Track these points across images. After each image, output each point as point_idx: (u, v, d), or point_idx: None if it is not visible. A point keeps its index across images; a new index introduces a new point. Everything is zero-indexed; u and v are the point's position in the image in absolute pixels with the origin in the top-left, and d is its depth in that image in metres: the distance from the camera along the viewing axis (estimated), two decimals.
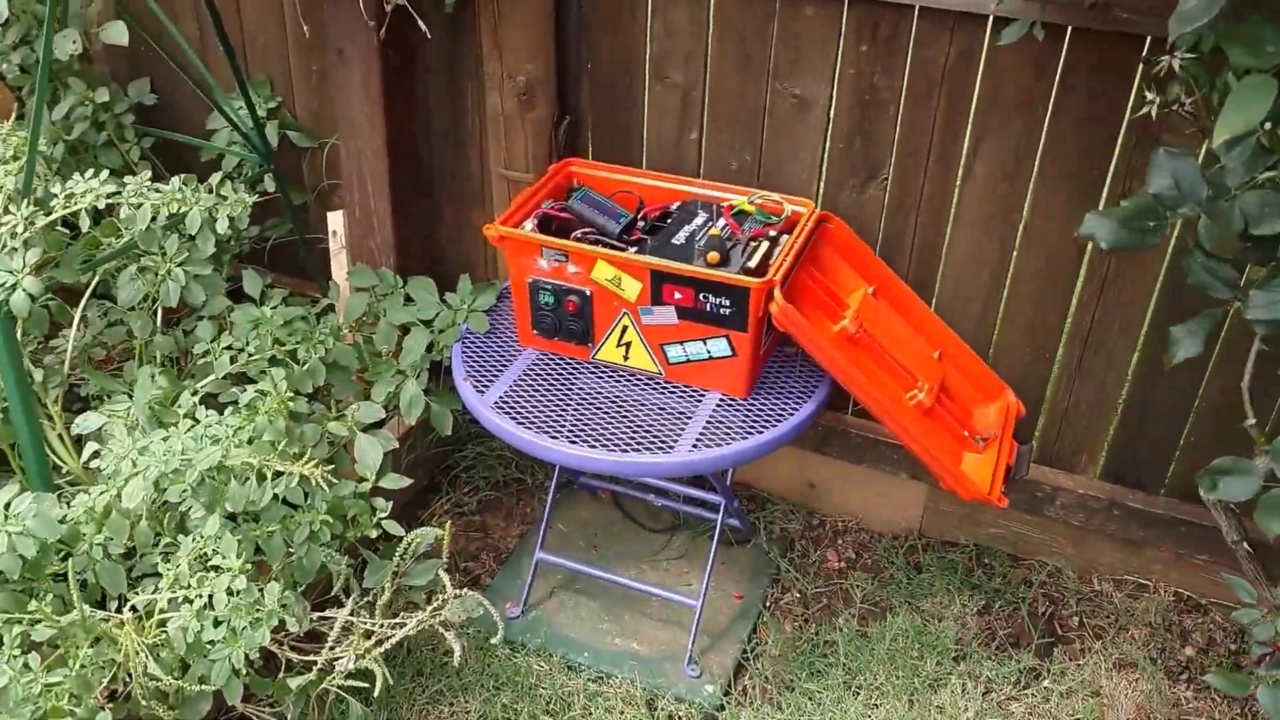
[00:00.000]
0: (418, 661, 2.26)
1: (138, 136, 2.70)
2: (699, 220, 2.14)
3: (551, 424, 2.05)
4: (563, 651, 2.32)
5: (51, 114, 2.49)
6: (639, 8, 2.22)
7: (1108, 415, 2.28)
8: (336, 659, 1.94)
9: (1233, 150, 1.31)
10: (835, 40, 2.10)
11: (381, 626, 1.98)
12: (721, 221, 2.11)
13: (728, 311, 1.98)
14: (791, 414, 2.07)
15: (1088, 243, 2.11)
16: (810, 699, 2.22)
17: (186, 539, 1.79)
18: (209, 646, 1.75)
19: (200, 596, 1.72)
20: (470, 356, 2.24)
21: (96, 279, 2.18)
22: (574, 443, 2.00)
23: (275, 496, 1.84)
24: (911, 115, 2.12)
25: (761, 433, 2.02)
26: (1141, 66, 1.88)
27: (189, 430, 1.82)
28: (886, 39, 2.06)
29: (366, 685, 1.92)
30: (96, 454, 1.88)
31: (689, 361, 2.10)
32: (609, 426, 2.05)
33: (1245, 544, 1.66)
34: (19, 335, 1.99)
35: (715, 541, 2.32)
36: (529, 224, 2.15)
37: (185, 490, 1.82)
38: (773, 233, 2.10)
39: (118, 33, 2.31)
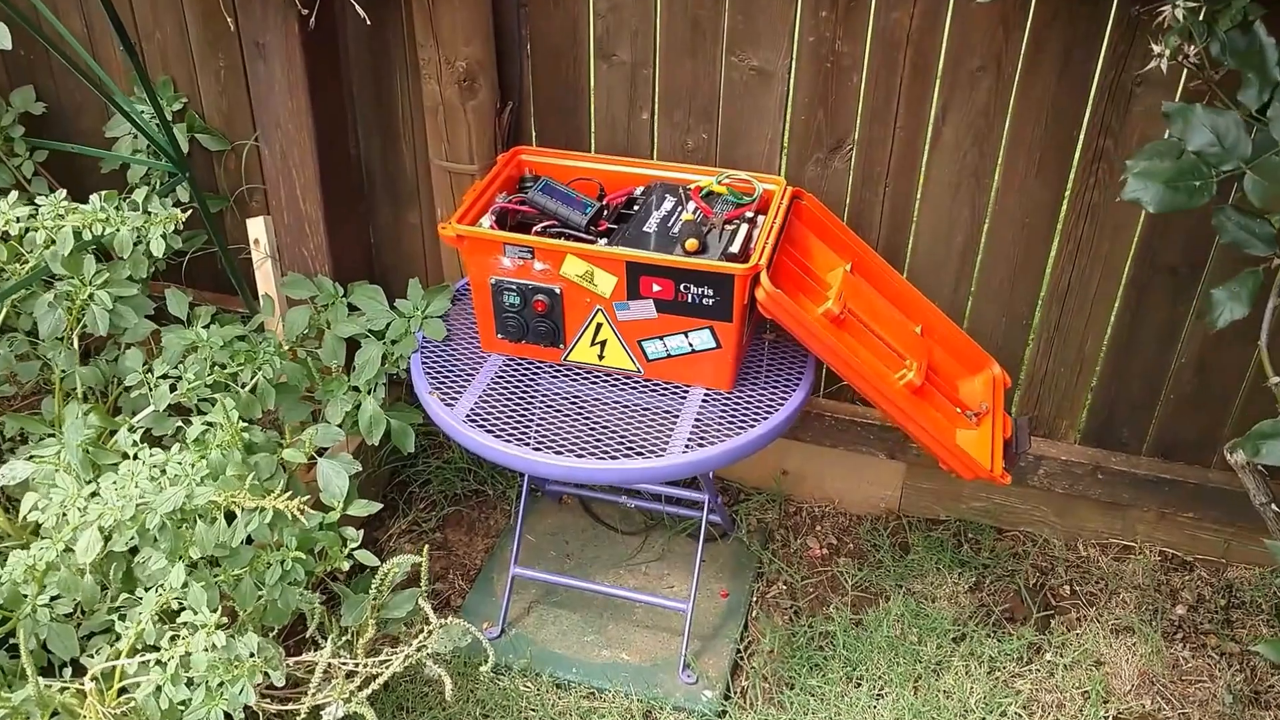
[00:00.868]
0: (398, 697, 2.10)
1: (29, 150, 2.46)
2: (668, 205, 2.02)
3: (532, 435, 1.91)
4: (550, 669, 2.19)
5: None
6: None
7: (1086, 377, 2.24)
8: (321, 705, 1.78)
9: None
10: (792, 5, 2.00)
11: (365, 665, 1.83)
12: (692, 205, 2.00)
13: (711, 301, 1.87)
14: (782, 403, 1.98)
15: (1061, 204, 2.08)
16: (813, 695, 2.13)
17: (149, 593, 1.60)
18: (181, 709, 1.57)
19: (173, 657, 1.54)
20: (431, 367, 2.08)
21: (2, 312, 1.97)
22: (559, 453, 1.87)
23: (247, 537, 1.67)
24: (875, 81, 2.03)
25: (755, 426, 1.92)
26: (1140, 20, 1.81)
27: (141, 471, 1.63)
28: (846, 2, 1.97)
29: None
30: (35, 507, 1.67)
31: (670, 357, 1.98)
32: (594, 433, 1.92)
33: (1274, 505, 1.62)
34: None
35: (701, 540, 2.22)
36: (486, 220, 2.00)
37: (133, 539, 1.64)
38: (749, 214, 1.99)
39: (1, 37, 2.07)
